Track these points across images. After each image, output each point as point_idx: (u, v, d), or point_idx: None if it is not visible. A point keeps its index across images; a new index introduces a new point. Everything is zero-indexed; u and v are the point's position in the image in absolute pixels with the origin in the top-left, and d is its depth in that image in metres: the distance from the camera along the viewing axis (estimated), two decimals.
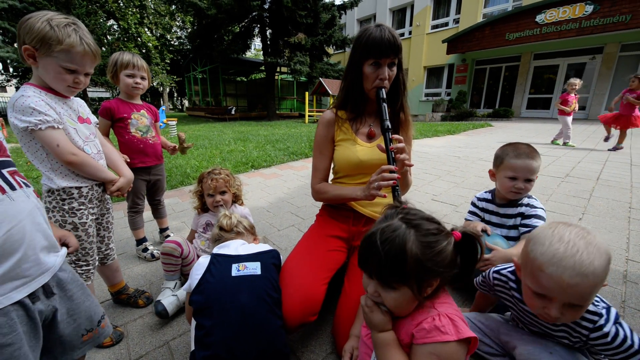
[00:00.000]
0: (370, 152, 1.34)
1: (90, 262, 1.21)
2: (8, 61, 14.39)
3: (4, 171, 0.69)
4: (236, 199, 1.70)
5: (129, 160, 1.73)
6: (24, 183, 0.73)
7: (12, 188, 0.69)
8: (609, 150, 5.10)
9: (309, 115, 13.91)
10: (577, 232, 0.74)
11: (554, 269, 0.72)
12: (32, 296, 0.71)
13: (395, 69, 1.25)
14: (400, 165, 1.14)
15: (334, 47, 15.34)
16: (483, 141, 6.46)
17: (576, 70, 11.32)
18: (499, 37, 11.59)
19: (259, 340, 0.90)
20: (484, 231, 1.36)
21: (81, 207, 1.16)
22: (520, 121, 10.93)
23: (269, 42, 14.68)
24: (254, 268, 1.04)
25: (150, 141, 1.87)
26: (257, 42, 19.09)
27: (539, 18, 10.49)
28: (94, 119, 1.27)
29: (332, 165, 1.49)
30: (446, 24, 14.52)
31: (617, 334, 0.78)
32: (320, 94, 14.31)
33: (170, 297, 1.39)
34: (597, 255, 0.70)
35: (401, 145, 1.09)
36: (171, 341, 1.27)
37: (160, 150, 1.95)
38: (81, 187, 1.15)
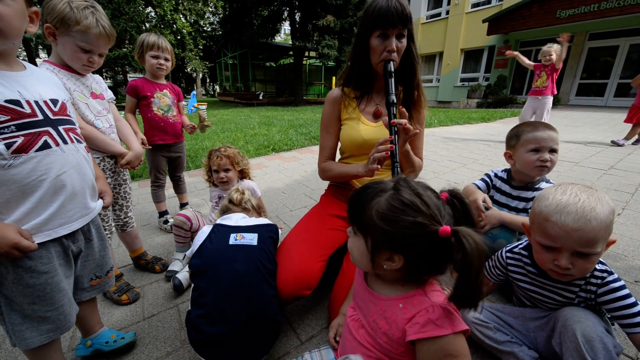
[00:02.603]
0: (375, 131, 1.30)
1: (106, 227, 1.33)
2: None
3: (60, 128, 0.82)
4: (243, 175, 1.74)
5: (145, 140, 1.83)
6: (76, 139, 0.87)
7: (65, 142, 0.82)
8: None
9: None
10: (579, 187, 0.82)
11: (557, 216, 0.78)
12: (73, 237, 0.87)
13: (404, 41, 1.19)
14: (402, 142, 1.10)
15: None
16: None
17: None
18: (549, 15, 10.43)
19: (250, 305, 0.94)
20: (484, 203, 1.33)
21: None
22: (568, 109, 9.92)
23: (297, 26, 14.50)
24: (251, 239, 1.08)
25: (170, 120, 1.96)
26: (286, 27, 18.97)
27: None
28: (109, 95, 1.35)
29: (339, 145, 1.48)
30: (488, 2, 13.29)
31: (623, 286, 0.83)
32: None
33: (185, 273, 1.49)
34: (599, 203, 0.76)
35: (403, 120, 1.04)
36: (180, 304, 1.37)
37: (180, 129, 2.05)
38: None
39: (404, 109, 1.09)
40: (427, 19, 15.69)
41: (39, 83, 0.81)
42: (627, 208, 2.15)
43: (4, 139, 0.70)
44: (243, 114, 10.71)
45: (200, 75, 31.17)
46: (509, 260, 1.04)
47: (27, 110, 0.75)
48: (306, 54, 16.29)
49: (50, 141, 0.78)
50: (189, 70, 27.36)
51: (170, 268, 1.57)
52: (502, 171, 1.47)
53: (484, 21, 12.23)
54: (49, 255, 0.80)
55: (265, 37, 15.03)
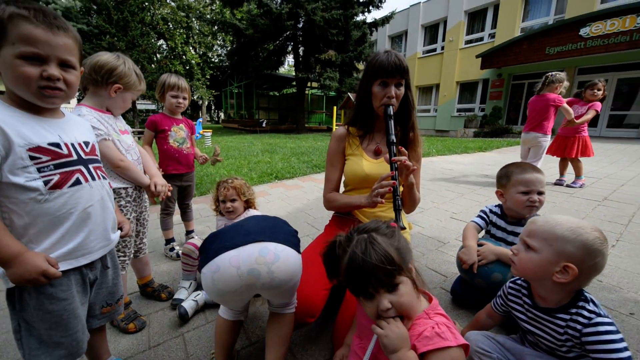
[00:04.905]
0: (376, 167, 1.41)
1: (127, 253, 1.40)
2: None
3: (90, 166, 0.92)
4: (249, 204, 1.82)
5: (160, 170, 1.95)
6: (102, 176, 0.96)
7: (93, 178, 0.91)
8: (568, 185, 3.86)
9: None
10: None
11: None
12: (91, 266, 0.93)
13: (402, 89, 1.34)
14: (404, 178, 1.20)
15: (364, 63, 15.64)
16: (515, 159, 6.12)
17: (630, 87, 10.45)
18: (539, 51, 11.08)
19: (269, 221, 1.06)
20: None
21: (127, 204, 1.38)
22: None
23: (300, 59, 15.33)
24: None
25: (184, 151, 2.09)
26: (290, 59, 20.07)
27: (584, 31, 9.90)
28: (129, 129, 1.49)
29: (342, 178, 1.58)
30: (481, 39, 14.19)
31: (608, 331, 0.81)
32: (348, 108, 14.53)
33: (191, 302, 1.52)
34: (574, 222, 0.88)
35: (403, 157, 1.15)
36: (186, 333, 1.40)
37: (192, 160, 2.18)
38: (127, 188, 1.37)
39: (402, 148, 1.20)
40: (423, 54, 16.61)
41: (75, 128, 0.92)
42: (621, 240, 2.21)
43: (43, 176, 0.78)
44: (246, 141, 11.00)
45: (206, 103, 32.32)
46: (509, 290, 1.09)
47: (65, 151, 0.84)
48: (308, 84, 17.05)
49: (81, 178, 0.87)
50: (195, 98, 28.43)
51: (176, 296, 1.60)
52: (495, 206, 1.56)
53: (477, 56, 12.94)
54: (68, 282, 0.85)
55: (270, 69, 15.82)
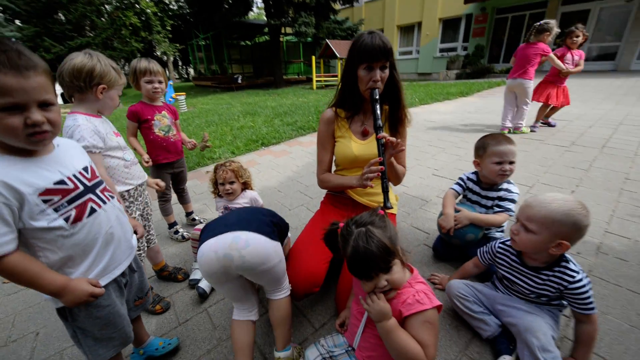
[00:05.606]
0: (364, 148, 1.51)
1: (142, 248, 1.53)
2: None
3: (97, 190, 0.94)
4: (246, 186, 1.91)
5: (149, 159, 1.99)
6: (110, 196, 1.01)
7: (104, 202, 0.96)
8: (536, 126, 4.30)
9: (317, 81, 13.55)
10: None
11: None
12: (123, 273, 1.06)
13: (387, 71, 1.37)
14: (388, 156, 1.31)
15: (341, 1, 14.34)
16: (494, 104, 6.25)
17: (610, 15, 10.28)
18: None
19: (248, 213, 1.25)
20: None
21: (131, 205, 1.47)
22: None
23: (270, 2, 13.86)
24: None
25: (171, 139, 2.08)
26: (258, 1, 18.02)
27: None
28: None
29: (334, 159, 1.68)
30: None
31: (585, 285, 1.07)
32: (327, 56, 13.73)
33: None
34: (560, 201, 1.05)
35: (393, 138, 1.25)
36: (208, 308, 1.61)
37: (180, 147, 2.18)
38: (129, 190, 1.44)
39: (389, 137, 1.28)
40: None
41: (70, 156, 0.92)
42: (581, 185, 2.49)
43: (61, 215, 0.83)
44: (224, 102, 10.50)
45: (172, 59, 29.52)
46: (498, 249, 1.31)
47: (71, 186, 0.87)
48: (282, 30, 15.71)
49: (95, 206, 0.92)
50: (159, 54, 25.77)
51: (192, 277, 1.78)
52: (472, 173, 1.74)
53: None
54: (108, 292, 0.98)
55: (238, 16, 14.33)
